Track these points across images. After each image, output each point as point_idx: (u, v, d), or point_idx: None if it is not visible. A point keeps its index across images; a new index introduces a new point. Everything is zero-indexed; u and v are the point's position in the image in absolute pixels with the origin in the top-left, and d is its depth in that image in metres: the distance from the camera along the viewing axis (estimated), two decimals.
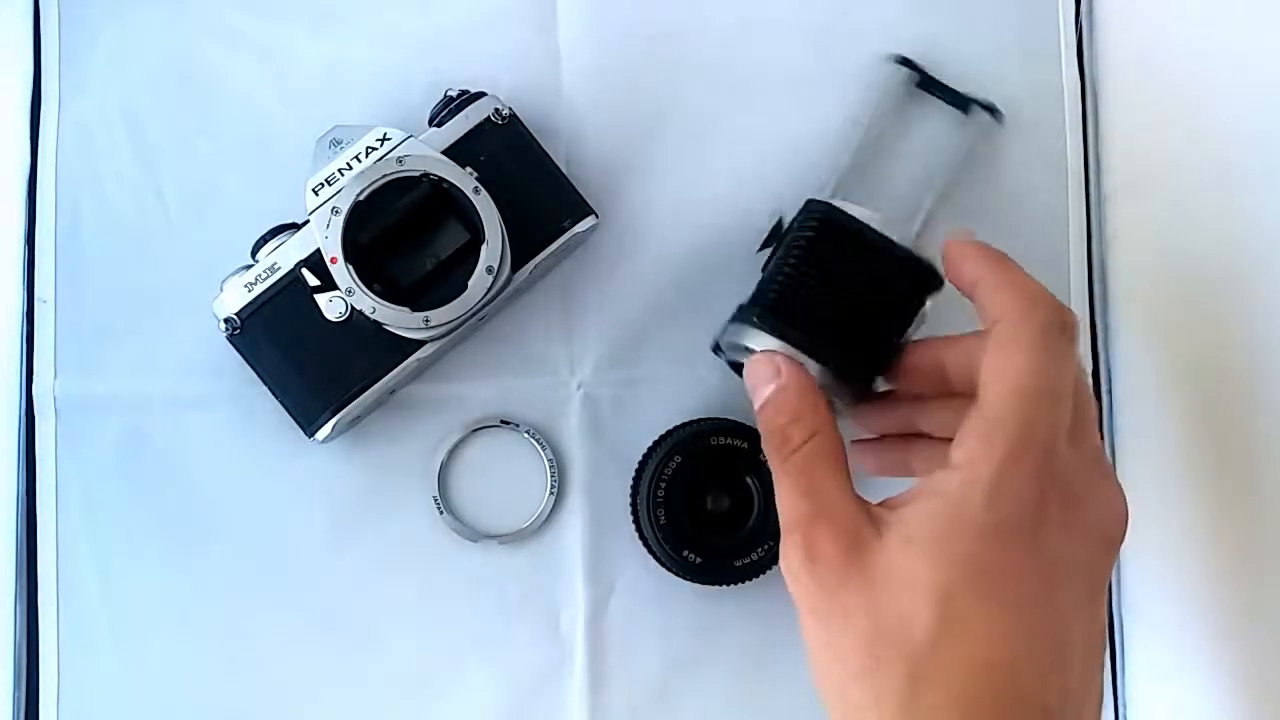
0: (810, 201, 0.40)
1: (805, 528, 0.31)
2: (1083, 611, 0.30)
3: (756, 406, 0.35)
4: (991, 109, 0.46)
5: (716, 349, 0.40)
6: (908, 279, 0.38)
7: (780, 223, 0.43)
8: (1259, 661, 0.45)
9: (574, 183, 0.44)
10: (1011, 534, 0.29)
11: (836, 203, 0.39)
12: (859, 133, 0.45)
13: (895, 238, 0.39)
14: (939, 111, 0.47)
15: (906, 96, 0.46)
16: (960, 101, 0.46)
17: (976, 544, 0.29)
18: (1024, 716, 0.29)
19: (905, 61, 0.46)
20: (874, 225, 0.38)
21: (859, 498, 0.32)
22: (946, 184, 0.45)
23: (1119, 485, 0.33)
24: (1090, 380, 0.47)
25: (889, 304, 0.38)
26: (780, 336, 0.37)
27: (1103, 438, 0.47)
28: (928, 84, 0.46)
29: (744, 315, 0.39)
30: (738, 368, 0.40)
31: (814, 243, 0.38)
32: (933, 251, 0.38)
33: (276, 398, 0.42)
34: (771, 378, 0.35)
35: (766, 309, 0.38)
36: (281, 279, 0.41)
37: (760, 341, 0.37)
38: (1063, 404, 0.31)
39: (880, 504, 0.32)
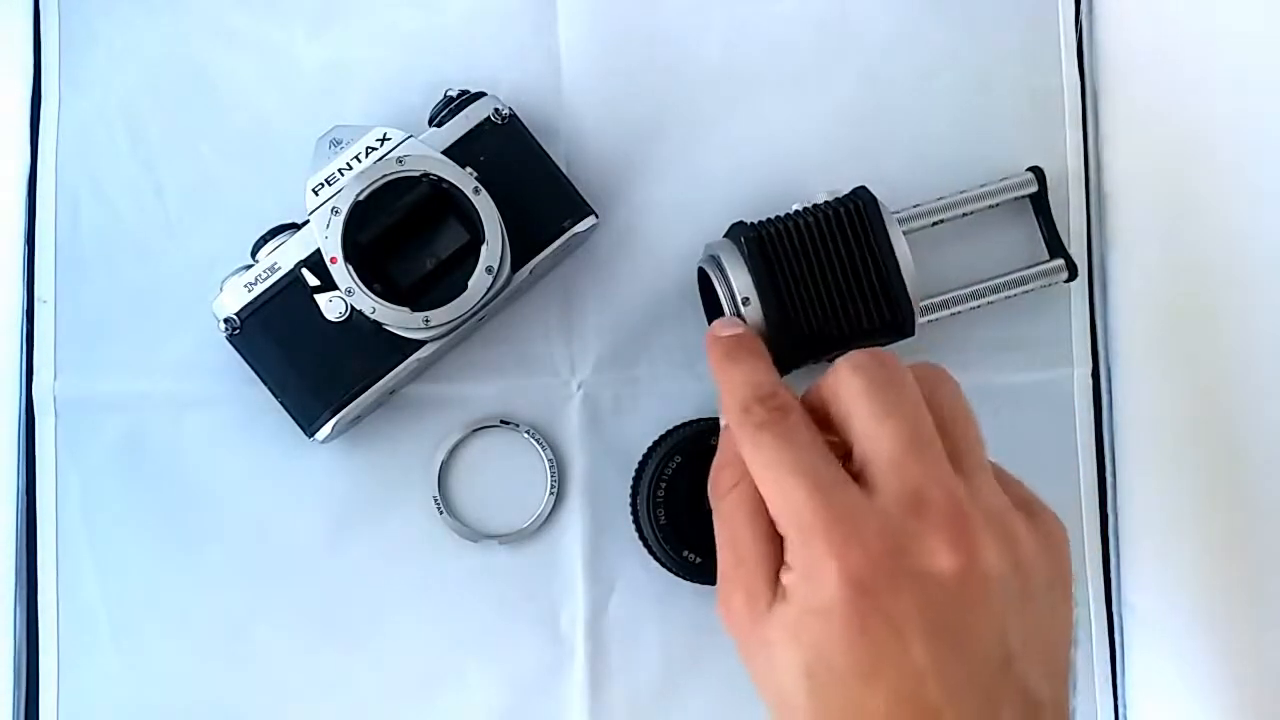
0: (862, 188, 0.41)
1: (724, 580, 0.34)
2: (942, 663, 0.30)
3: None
4: (1072, 268, 0.45)
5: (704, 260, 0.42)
6: (885, 314, 0.39)
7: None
8: (1259, 662, 0.45)
9: (574, 183, 0.44)
10: (836, 618, 0.30)
11: (885, 213, 0.40)
12: (955, 196, 0.44)
13: (908, 280, 0.40)
14: (1029, 233, 0.46)
15: (1014, 200, 0.45)
16: (1053, 241, 0.45)
17: (813, 630, 0.30)
18: None
19: (1037, 172, 0.45)
20: (899, 257, 0.40)
21: (772, 543, 0.33)
22: (984, 293, 0.44)
23: (938, 523, 0.30)
24: (1092, 383, 0.47)
25: (856, 319, 0.39)
26: (750, 269, 0.39)
27: (1101, 438, 0.47)
28: (1039, 206, 0.46)
29: (735, 232, 0.41)
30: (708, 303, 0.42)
31: (839, 217, 0.39)
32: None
33: (276, 398, 0.42)
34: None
35: (754, 238, 0.40)
36: (281, 279, 0.41)
37: (730, 260, 0.40)
38: (804, 486, 0.31)
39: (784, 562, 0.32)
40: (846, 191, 0.42)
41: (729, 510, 0.34)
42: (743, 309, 0.39)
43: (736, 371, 0.36)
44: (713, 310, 0.42)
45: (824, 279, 0.40)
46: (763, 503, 0.33)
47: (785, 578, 0.32)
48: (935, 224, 0.44)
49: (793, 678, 0.31)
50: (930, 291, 0.44)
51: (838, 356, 0.39)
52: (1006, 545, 0.31)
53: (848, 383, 0.33)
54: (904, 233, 0.41)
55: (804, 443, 0.32)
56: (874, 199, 0.41)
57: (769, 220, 0.41)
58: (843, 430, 0.33)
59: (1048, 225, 0.45)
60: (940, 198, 0.44)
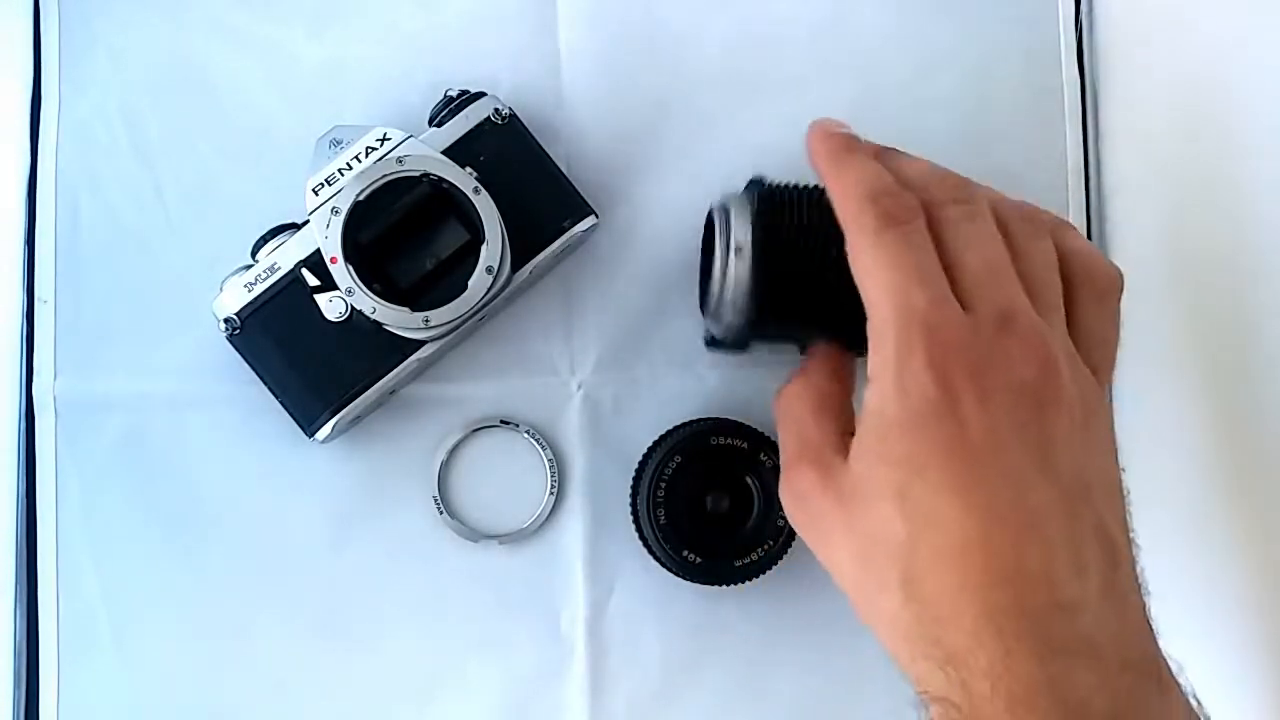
0: None
1: (789, 468, 0.35)
2: (1032, 476, 0.30)
3: None
4: None
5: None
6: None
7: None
8: (1259, 659, 0.45)
9: (574, 183, 0.44)
10: (930, 422, 0.30)
11: None
12: None
13: None
14: None
15: None
16: None
17: (906, 441, 0.31)
18: (1017, 586, 0.29)
19: None
20: None
21: (835, 424, 0.35)
22: None
23: (1023, 337, 0.31)
24: None
25: (838, 299, 0.37)
26: (753, 220, 0.38)
27: None
28: None
29: (753, 187, 0.40)
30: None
31: None
32: None
33: (276, 398, 0.42)
34: None
35: (768, 196, 0.39)
36: (281, 279, 0.41)
37: (738, 212, 0.39)
38: (923, 289, 0.31)
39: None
40: None
41: (791, 397, 0.36)
42: (733, 257, 0.38)
43: (855, 165, 0.35)
44: (707, 264, 0.41)
45: (821, 252, 0.39)
46: (826, 387, 0.36)
47: (871, 396, 0.32)
48: None
49: (884, 507, 0.31)
50: None
51: (805, 344, 0.39)
52: (1076, 373, 0.32)
53: (952, 211, 0.33)
54: None
55: (927, 249, 0.32)
56: None
57: (788, 185, 0.40)
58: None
59: None
60: None
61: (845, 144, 0.36)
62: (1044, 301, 0.33)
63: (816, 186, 0.40)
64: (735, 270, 0.38)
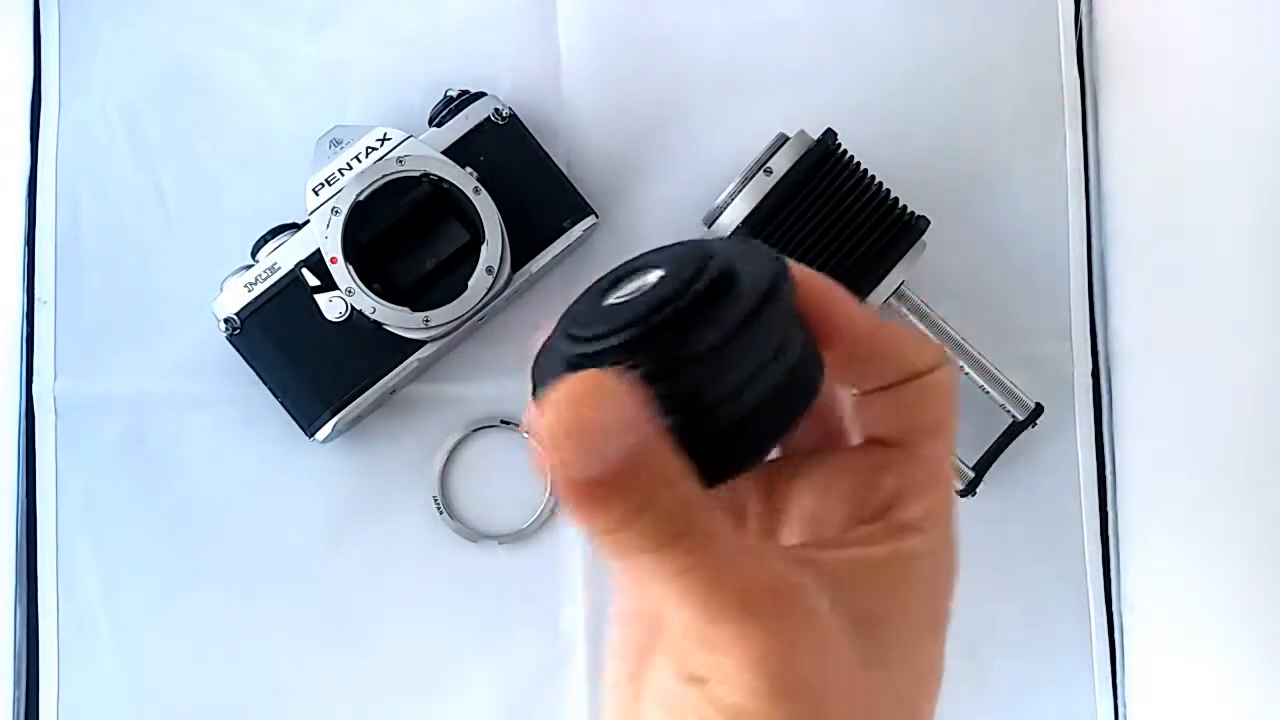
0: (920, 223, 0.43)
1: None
2: None
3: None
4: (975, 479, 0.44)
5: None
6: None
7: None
8: (1259, 662, 0.45)
9: (574, 183, 0.44)
10: None
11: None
12: (969, 350, 0.45)
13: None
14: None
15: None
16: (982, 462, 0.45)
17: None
18: None
19: (1037, 408, 0.45)
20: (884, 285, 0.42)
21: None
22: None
23: None
24: (1092, 382, 0.47)
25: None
26: (758, 205, 0.41)
27: (1101, 437, 0.47)
28: (1012, 432, 0.45)
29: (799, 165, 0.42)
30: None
31: (863, 233, 0.42)
32: None
33: (276, 398, 0.42)
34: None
35: (784, 187, 0.42)
36: (281, 279, 0.41)
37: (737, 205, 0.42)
38: None
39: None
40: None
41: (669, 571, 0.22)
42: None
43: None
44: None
45: (811, 241, 0.41)
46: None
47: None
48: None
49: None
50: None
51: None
52: None
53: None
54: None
55: None
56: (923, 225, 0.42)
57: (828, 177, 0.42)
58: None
59: (995, 449, 0.45)
60: (959, 339, 0.44)
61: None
62: None
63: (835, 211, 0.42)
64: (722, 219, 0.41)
